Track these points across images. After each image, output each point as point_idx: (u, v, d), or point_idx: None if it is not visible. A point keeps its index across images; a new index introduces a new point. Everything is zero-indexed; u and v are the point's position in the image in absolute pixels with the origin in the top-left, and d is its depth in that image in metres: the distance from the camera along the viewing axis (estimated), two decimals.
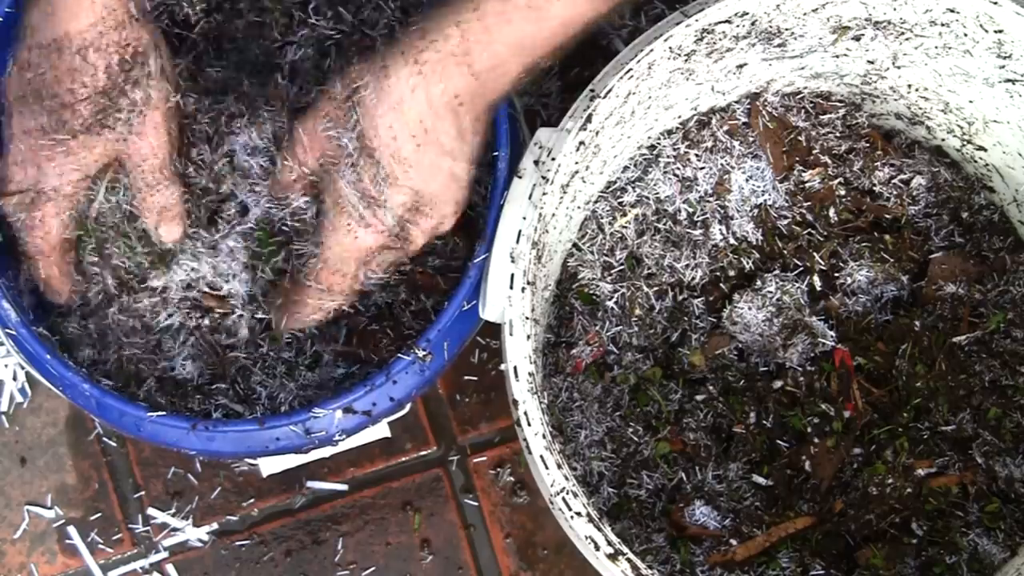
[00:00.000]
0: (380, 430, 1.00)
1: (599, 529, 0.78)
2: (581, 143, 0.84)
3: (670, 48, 0.85)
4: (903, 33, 0.89)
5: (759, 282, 0.94)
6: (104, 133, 0.78)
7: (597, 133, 0.85)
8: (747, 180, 0.96)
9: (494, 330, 1.03)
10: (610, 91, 0.83)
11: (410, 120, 0.75)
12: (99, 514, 1.04)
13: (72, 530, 1.03)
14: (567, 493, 0.78)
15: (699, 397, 0.93)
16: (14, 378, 1.05)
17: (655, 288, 0.94)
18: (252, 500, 1.04)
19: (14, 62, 0.80)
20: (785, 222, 0.96)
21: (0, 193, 0.81)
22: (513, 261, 0.81)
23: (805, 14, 0.87)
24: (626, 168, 0.96)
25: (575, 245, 0.96)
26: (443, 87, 0.75)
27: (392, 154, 0.76)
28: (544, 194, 0.82)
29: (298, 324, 0.85)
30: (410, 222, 0.80)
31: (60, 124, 0.78)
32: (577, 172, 0.87)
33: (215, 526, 1.04)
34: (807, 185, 0.96)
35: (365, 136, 0.76)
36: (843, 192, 0.97)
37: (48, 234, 0.81)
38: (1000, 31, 0.86)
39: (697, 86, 0.92)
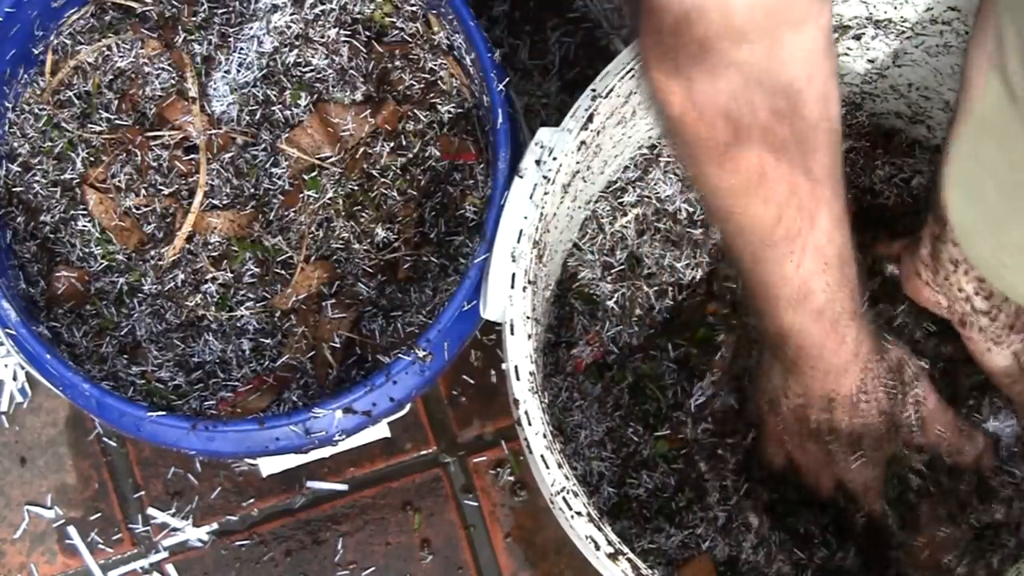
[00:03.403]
0: (380, 430, 1.00)
1: (599, 529, 0.77)
2: (582, 143, 0.84)
3: None
4: (904, 32, 0.89)
5: None
6: (892, 439, 0.83)
7: (598, 133, 0.85)
8: None
9: (494, 329, 1.03)
10: (611, 91, 0.83)
11: None
12: (99, 514, 1.03)
13: (72, 530, 1.03)
14: (567, 493, 0.78)
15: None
16: (14, 378, 1.04)
17: (655, 288, 0.94)
18: (252, 500, 1.04)
19: (770, 405, 0.85)
20: None
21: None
22: (514, 260, 0.81)
23: None
24: (627, 168, 0.96)
25: (575, 245, 0.96)
26: None
27: None
28: (545, 194, 0.82)
29: None
30: None
31: (849, 449, 0.82)
32: (578, 172, 0.87)
33: (215, 526, 1.04)
34: None
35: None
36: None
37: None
38: None
39: None
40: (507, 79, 0.89)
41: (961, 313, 0.82)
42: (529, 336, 0.81)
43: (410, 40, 0.97)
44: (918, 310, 0.87)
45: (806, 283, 0.73)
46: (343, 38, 0.96)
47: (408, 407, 0.89)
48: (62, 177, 0.95)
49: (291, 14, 0.96)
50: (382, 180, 0.95)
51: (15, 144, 0.95)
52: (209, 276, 0.94)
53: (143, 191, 0.95)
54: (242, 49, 0.96)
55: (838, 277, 0.74)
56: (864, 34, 0.90)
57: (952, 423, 0.85)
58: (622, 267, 0.95)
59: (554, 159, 0.83)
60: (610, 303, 0.94)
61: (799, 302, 0.74)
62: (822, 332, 0.76)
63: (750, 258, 0.73)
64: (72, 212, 0.95)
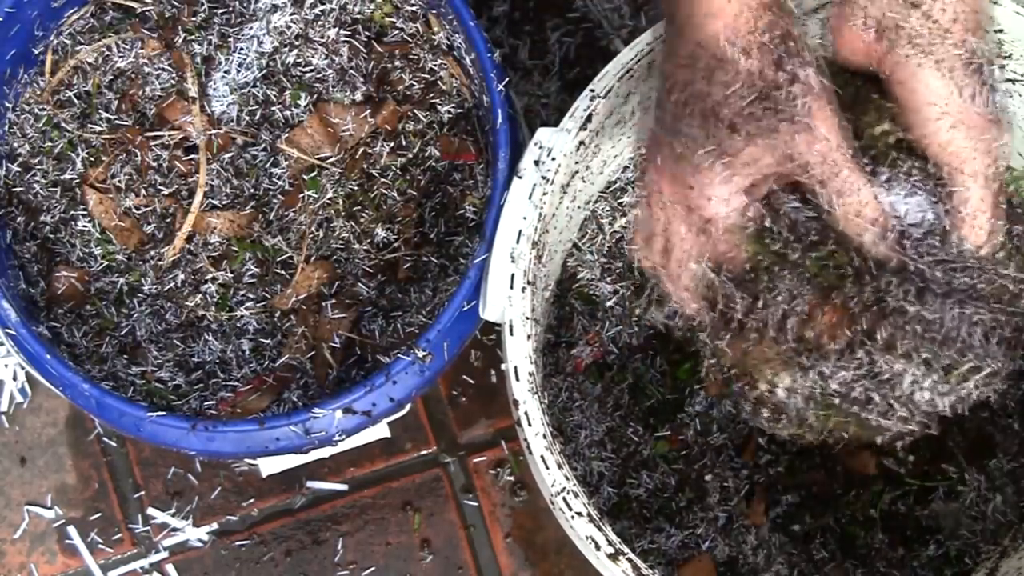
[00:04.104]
0: (380, 430, 1.00)
1: (600, 529, 0.77)
2: (581, 143, 0.84)
3: None
4: None
5: None
6: (767, 138, 0.67)
7: (597, 133, 0.85)
8: None
9: (494, 330, 1.03)
10: (610, 91, 0.83)
11: None
12: (99, 514, 1.03)
13: (72, 530, 1.03)
14: (568, 493, 0.78)
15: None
16: (14, 378, 1.05)
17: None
18: (252, 500, 1.04)
19: (668, 88, 0.71)
20: None
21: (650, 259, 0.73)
22: (513, 261, 0.81)
23: (805, 14, 0.87)
24: (626, 168, 0.96)
25: (575, 245, 0.96)
26: None
27: None
28: (544, 194, 0.82)
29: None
30: None
31: (712, 134, 0.68)
32: (577, 172, 0.87)
33: (215, 526, 1.04)
34: None
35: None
36: None
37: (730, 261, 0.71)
38: (1000, 31, 0.86)
39: None
40: (507, 79, 0.89)
41: (889, 23, 0.69)
42: (529, 336, 0.81)
43: (410, 40, 0.97)
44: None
45: None
46: (343, 38, 0.96)
47: (408, 407, 0.89)
48: (62, 177, 0.95)
49: (291, 14, 0.96)
50: (382, 180, 0.95)
51: (15, 144, 0.95)
52: (209, 276, 0.94)
53: (143, 191, 0.95)
54: (242, 49, 0.96)
55: None
56: None
57: (839, 129, 0.68)
58: (622, 267, 0.95)
59: (553, 159, 0.83)
60: (610, 303, 0.94)
61: None
62: None
63: None
64: (72, 212, 0.95)
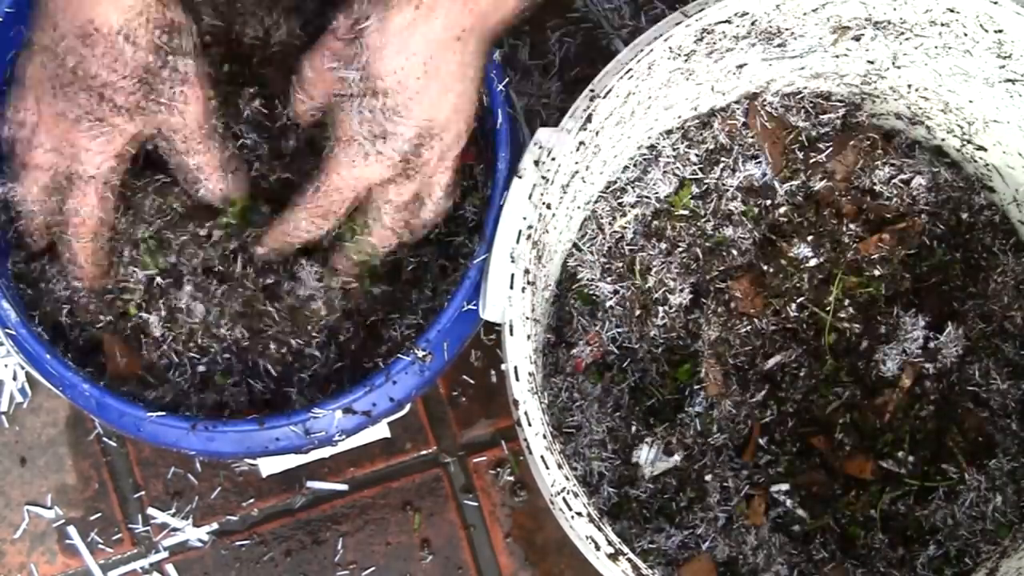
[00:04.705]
0: (380, 430, 1.00)
1: (600, 529, 0.78)
2: (581, 143, 0.84)
3: (670, 48, 0.85)
4: (903, 33, 0.89)
5: None
6: (143, 113, 0.79)
7: (597, 133, 0.85)
8: (747, 180, 0.96)
9: (494, 329, 1.03)
10: (610, 91, 0.83)
11: (414, 56, 0.76)
12: (99, 514, 1.04)
13: (72, 530, 1.03)
14: (568, 493, 0.78)
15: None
16: (14, 378, 1.05)
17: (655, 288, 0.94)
18: (252, 500, 1.04)
19: (30, 45, 0.80)
20: (785, 221, 0.96)
21: (25, 178, 0.82)
22: (513, 261, 0.81)
23: (805, 14, 0.87)
24: (626, 168, 0.96)
25: (575, 245, 0.96)
26: (444, 23, 0.76)
27: (398, 89, 0.77)
28: (544, 194, 0.82)
29: (276, 244, 0.85)
30: (423, 148, 0.80)
31: (97, 108, 0.78)
32: (577, 172, 0.87)
33: (215, 526, 1.04)
34: (808, 185, 0.97)
35: (371, 72, 0.77)
36: (843, 191, 0.97)
37: (88, 217, 0.82)
38: (1000, 31, 0.86)
39: (697, 86, 0.92)
40: (507, 79, 0.89)
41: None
42: (528, 337, 0.81)
43: None
44: None
45: None
46: None
47: (408, 407, 0.89)
48: None
49: None
50: None
51: None
52: None
53: None
54: None
55: None
56: (864, 35, 0.90)
57: (204, 111, 0.82)
58: (622, 267, 0.95)
59: (553, 159, 0.83)
60: (610, 303, 0.94)
61: None
62: None
63: None
64: None
